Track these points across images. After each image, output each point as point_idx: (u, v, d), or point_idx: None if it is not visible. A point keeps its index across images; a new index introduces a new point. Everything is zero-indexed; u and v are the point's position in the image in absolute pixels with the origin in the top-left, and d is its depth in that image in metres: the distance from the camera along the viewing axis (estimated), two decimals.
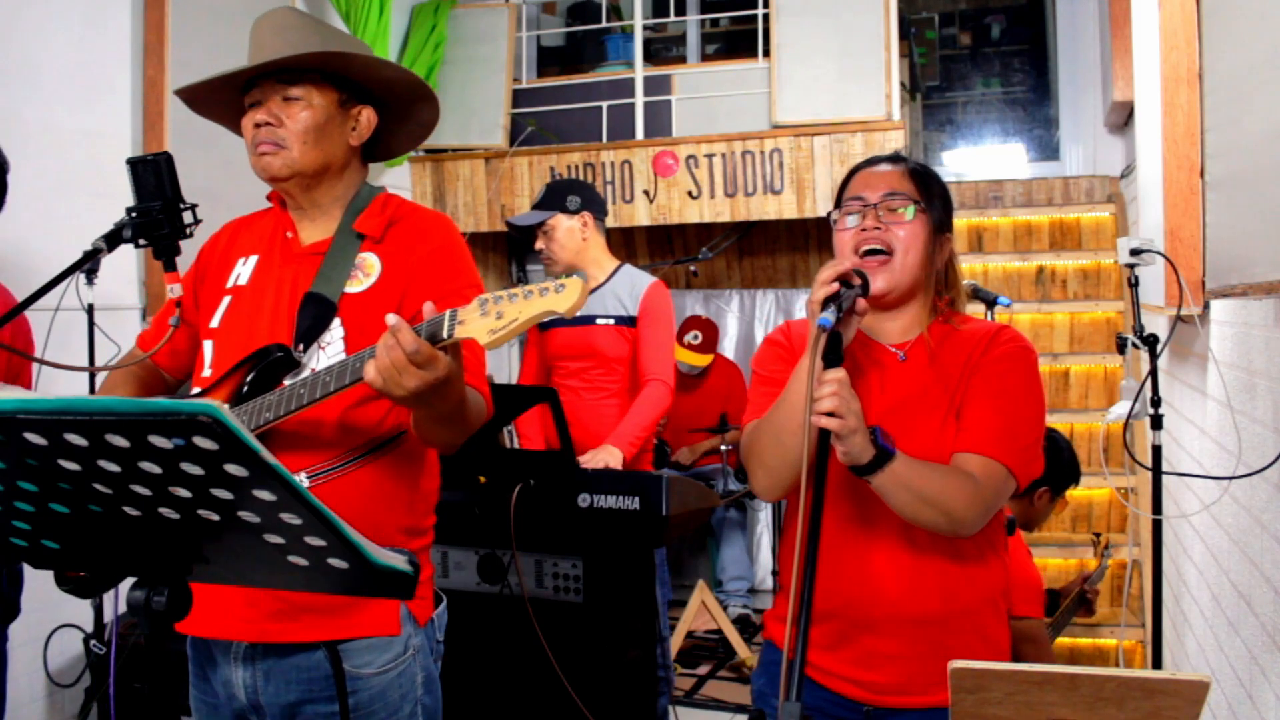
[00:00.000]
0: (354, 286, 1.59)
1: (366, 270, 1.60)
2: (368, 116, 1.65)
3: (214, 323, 1.65)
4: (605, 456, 2.80)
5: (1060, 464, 3.19)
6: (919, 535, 1.49)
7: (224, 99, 1.66)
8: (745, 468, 1.59)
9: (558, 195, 3.10)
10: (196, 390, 1.64)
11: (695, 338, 5.02)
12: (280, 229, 1.68)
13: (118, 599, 2.88)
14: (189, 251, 1.73)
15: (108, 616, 2.98)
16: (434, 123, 1.75)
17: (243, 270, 1.68)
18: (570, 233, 3.09)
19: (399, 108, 1.70)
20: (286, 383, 1.53)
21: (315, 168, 1.60)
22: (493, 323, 1.28)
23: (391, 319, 1.30)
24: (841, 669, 1.54)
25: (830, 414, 1.31)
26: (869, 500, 1.49)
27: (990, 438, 1.47)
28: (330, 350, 1.56)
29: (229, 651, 1.56)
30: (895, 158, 1.61)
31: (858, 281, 1.42)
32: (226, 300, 1.66)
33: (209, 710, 1.61)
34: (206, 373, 1.63)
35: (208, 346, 1.65)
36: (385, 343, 1.30)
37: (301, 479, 1.51)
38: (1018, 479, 1.49)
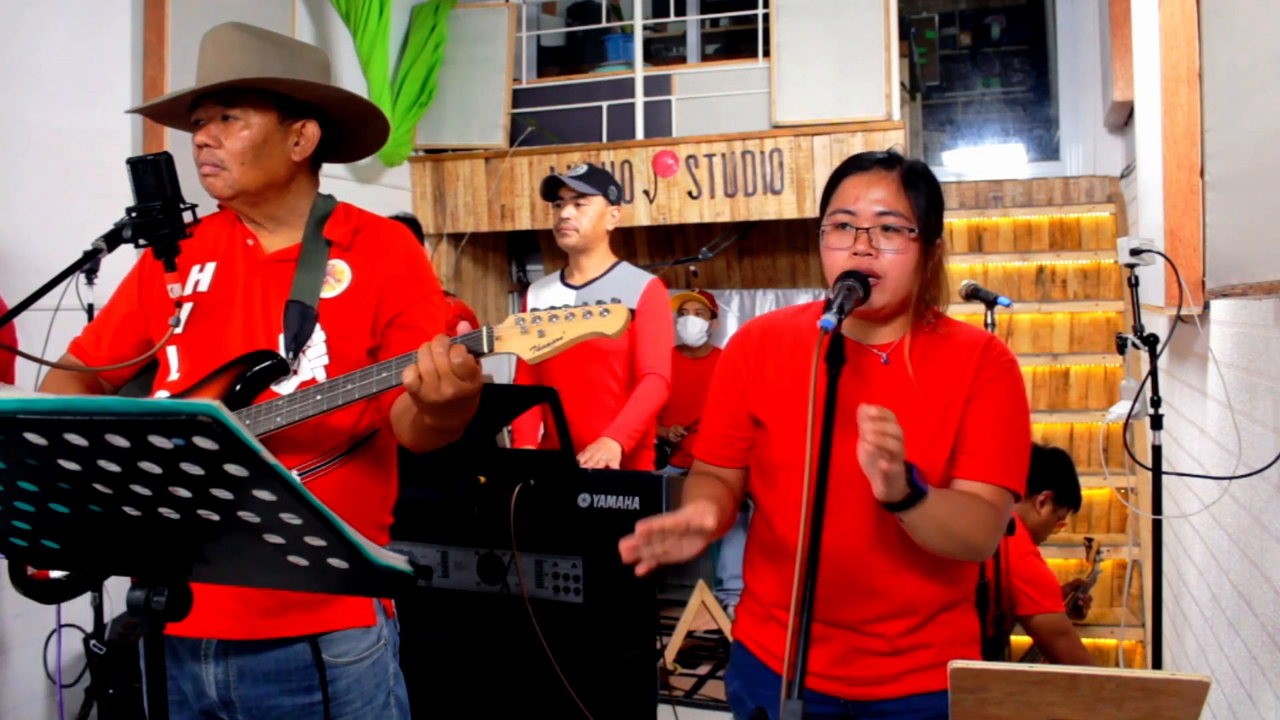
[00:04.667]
0: (328, 292, 1.63)
1: (337, 276, 1.65)
2: (311, 130, 1.66)
3: (177, 329, 1.66)
4: (604, 453, 2.80)
5: (1069, 479, 3.23)
6: (896, 535, 1.50)
7: (183, 115, 1.68)
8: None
9: (603, 179, 3.14)
10: (164, 394, 1.64)
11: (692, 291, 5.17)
12: (238, 236, 1.69)
13: (106, 599, 2.88)
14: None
15: (107, 616, 2.98)
16: (387, 128, 1.78)
17: (201, 277, 1.69)
18: (601, 217, 3.13)
19: (346, 119, 1.72)
20: (275, 389, 1.57)
21: (257, 185, 1.62)
22: (535, 339, 1.38)
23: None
24: (819, 667, 1.55)
25: (884, 452, 1.29)
26: (846, 501, 1.50)
27: (998, 466, 1.51)
28: (312, 354, 1.60)
29: (198, 649, 1.58)
30: (888, 160, 1.54)
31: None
32: (188, 307, 1.67)
33: (175, 708, 1.63)
34: (173, 377, 1.65)
35: (172, 352, 1.67)
36: (433, 349, 1.36)
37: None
38: (1019, 497, 1.56)
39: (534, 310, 1.39)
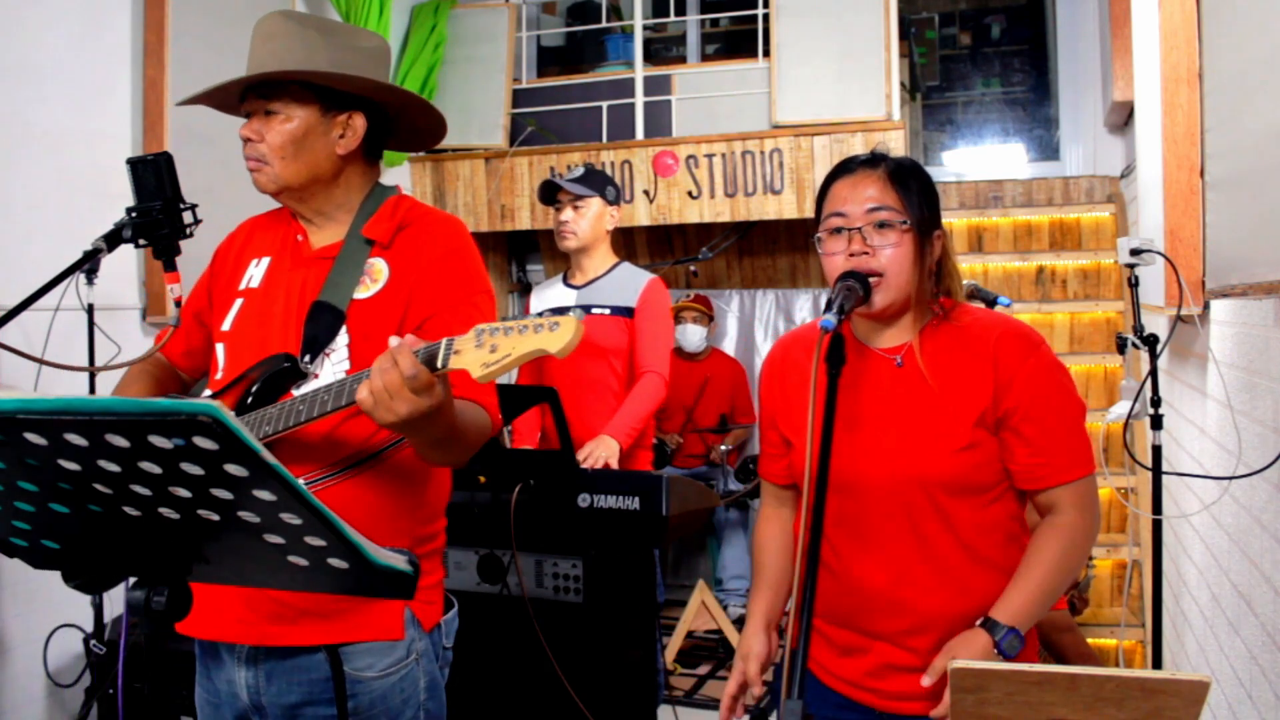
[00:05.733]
0: (362, 292, 1.56)
1: (374, 276, 1.57)
2: (358, 123, 1.60)
3: (225, 325, 1.64)
4: (602, 450, 2.81)
5: None
6: (929, 546, 1.49)
7: (232, 102, 1.64)
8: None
9: (600, 180, 3.13)
10: (208, 393, 1.63)
11: (688, 296, 5.22)
12: (291, 232, 1.66)
13: (105, 599, 2.87)
14: (198, 248, 1.72)
15: (108, 616, 2.98)
16: (440, 119, 1.71)
17: (255, 272, 1.66)
18: (599, 218, 3.13)
19: (395, 110, 1.66)
20: (294, 392, 1.52)
21: (300, 180, 1.58)
22: (486, 355, 1.24)
23: (394, 340, 1.27)
24: (854, 676, 1.55)
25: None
26: (876, 512, 1.50)
27: (1070, 460, 1.50)
28: (335, 358, 1.54)
29: (234, 651, 1.55)
30: (872, 160, 1.55)
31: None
32: (238, 303, 1.64)
33: (212, 709, 1.61)
34: (219, 375, 1.63)
35: (219, 350, 1.64)
36: (380, 365, 1.26)
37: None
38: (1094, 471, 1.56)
39: (493, 323, 1.28)
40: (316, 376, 1.53)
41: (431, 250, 1.58)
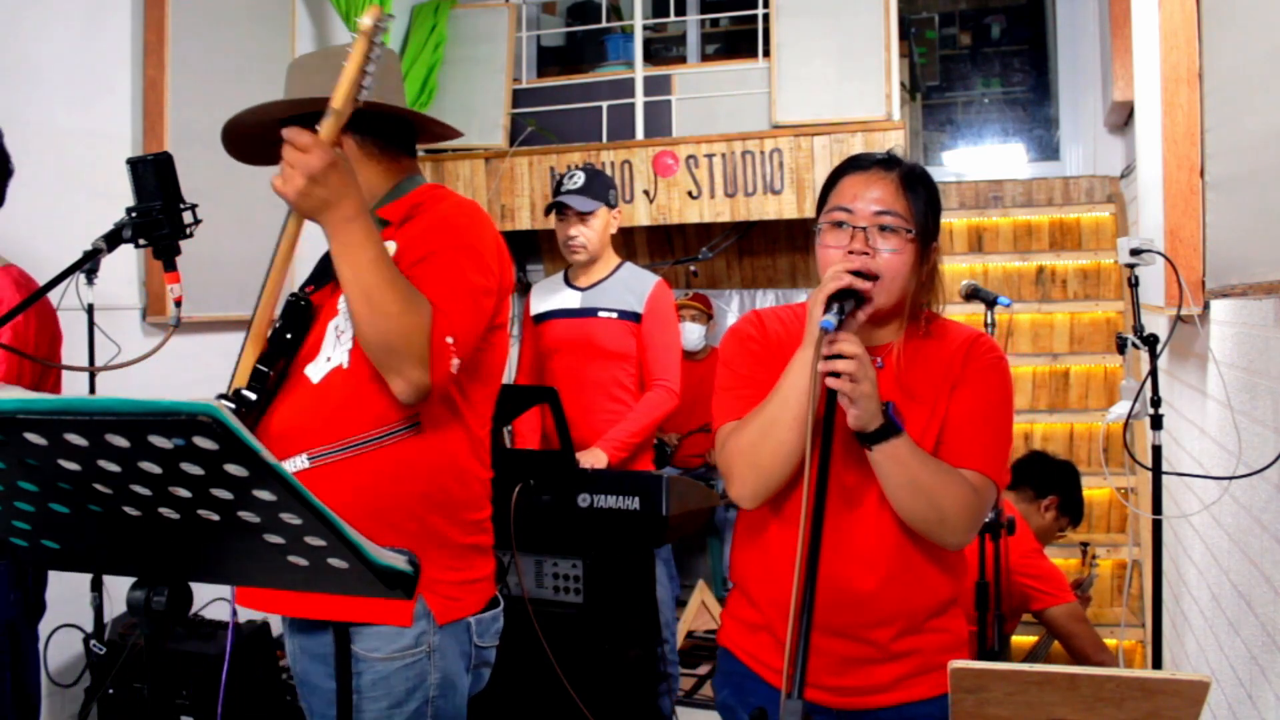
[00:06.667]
0: None
1: None
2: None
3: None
4: (590, 462, 2.83)
5: (1075, 491, 3.28)
6: (896, 542, 1.50)
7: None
8: (725, 472, 1.57)
9: (602, 187, 3.11)
10: None
11: (687, 294, 5.22)
12: None
13: (106, 599, 2.86)
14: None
15: (108, 616, 2.98)
16: (412, 114, 1.77)
17: None
18: (606, 225, 3.13)
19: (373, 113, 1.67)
20: (306, 372, 1.61)
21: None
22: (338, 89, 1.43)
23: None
24: (809, 676, 1.53)
25: (845, 375, 1.33)
26: (837, 505, 1.50)
27: (980, 454, 1.50)
28: (345, 338, 1.57)
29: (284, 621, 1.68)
30: (887, 161, 1.54)
31: (864, 285, 1.43)
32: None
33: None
34: None
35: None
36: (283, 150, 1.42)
37: (302, 461, 1.55)
38: (999, 490, 1.54)
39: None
40: (297, 352, 1.62)
41: (428, 221, 1.61)
